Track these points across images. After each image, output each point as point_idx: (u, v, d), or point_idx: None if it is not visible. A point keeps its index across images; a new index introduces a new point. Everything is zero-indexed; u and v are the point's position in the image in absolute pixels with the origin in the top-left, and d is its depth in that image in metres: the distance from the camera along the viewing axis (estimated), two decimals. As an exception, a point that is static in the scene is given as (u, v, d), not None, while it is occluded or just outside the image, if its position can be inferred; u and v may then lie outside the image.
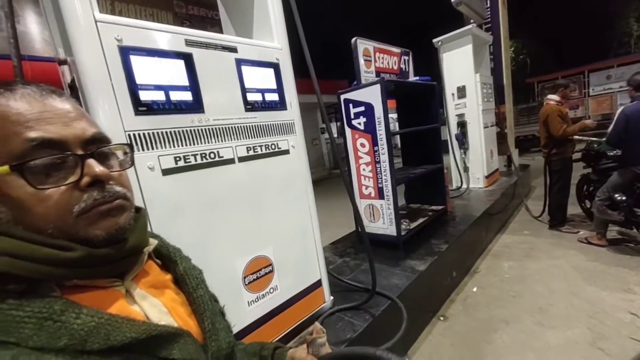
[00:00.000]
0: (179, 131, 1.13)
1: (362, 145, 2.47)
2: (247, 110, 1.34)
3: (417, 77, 3.04)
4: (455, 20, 5.28)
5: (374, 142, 2.39)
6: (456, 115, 4.49)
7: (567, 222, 3.54)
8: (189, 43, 1.15)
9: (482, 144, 4.34)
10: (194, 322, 0.50)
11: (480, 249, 3.26)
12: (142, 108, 1.04)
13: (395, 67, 3.05)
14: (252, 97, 1.35)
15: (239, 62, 1.30)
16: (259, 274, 1.39)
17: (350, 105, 2.46)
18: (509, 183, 4.50)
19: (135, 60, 1.02)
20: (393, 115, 3.60)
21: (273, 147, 1.45)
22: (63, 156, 0.40)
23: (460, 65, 4.27)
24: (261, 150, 1.40)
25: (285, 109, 1.51)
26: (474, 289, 2.59)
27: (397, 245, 2.47)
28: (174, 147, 1.12)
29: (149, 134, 1.06)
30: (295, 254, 1.57)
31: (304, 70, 1.50)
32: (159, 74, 1.08)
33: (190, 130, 1.16)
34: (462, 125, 4.44)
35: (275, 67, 1.46)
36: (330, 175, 11.45)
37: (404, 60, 3.17)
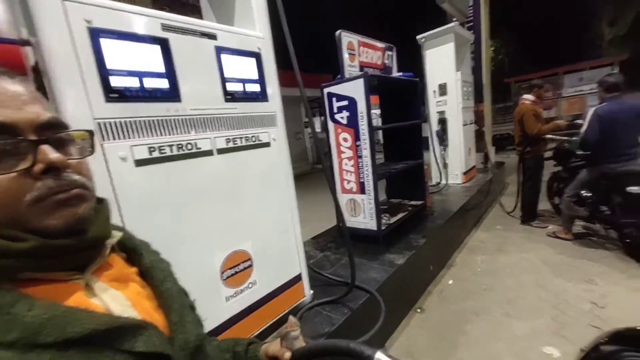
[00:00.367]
0: (153, 120, 1.08)
1: (345, 139, 2.48)
2: (226, 100, 1.30)
3: (401, 73, 3.06)
4: (439, 17, 5.35)
5: (357, 137, 2.40)
6: (437, 112, 4.58)
7: (537, 217, 3.71)
8: (165, 27, 1.10)
9: (461, 141, 4.46)
10: (160, 315, 0.48)
11: (457, 243, 3.37)
12: (114, 95, 0.99)
13: (379, 63, 3.06)
14: (232, 87, 1.31)
15: (219, 50, 1.26)
16: (237, 268, 1.37)
17: (334, 99, 2.45)
18: (484, 180, 4.66)
19: (106, 44, 0.97)
20: (376, 111, 3.63)
21: (253, 139, 1.42)
22: (14, 141, 0.37)
23: (442, 62, 4.34)
24: (241, 142, 1.37)
25: (267, 101, 1.48)
26: (450, 282, 2.68)
27: (377, 240, 2.51)
28: (149, 136, 1.07)
29: (120, 122, 1.01)
30: (275, 248, 1.56)
31: (288, 62, 1.47)
32: (133, 59, 1.02)
33: (166, 120, 1.11)
34: (442, 122, 4.53)
35: (257, 56, 1.42)
36: (313, 169, 11.44)
37: (388, 55, 3.19)
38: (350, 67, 2.65)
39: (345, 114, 2.41)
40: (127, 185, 1.02)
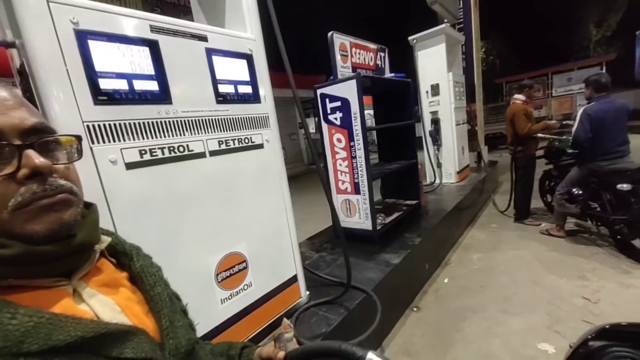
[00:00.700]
0: (144, 123, 1.07)
1: (339, 140, 2.48)
2: (218, 102, 1.29)
3: (393, 74, 3.08)
4: (430, 19, 5.40)
5: (350, 138, 2.40)
6: (430, 112, 4.61)
7: (530, 215, 3.75)
8: (154, 29, 1.09)
9: (454, 140, 4.50)
10: (151, 320, 0.48)
11: (452, 242, 3.39)
12: (102, 97, 0.97)
13: (372, 64, 3.07)
14: (223, 88, 1.31)
15: (210, 52, 1.25)
16: (232, 270, 1.36)
17: (327, 100, 2.46)
18: (478, 179, 4.70)
19: (94, 46, 0.95)
20: (370, 112, 3.65)
21: (246, 141, 1.41)
22: None
23: (434, 63, 4.38)
24: (234, 144, 1.36)
25: (259, 102, 1.48)
26: (445, 280, 2.70)
27: (372, 240, 2.51)
28: (139, 139, 1.06)
29: (110, 125, 0.99)
30: (270, 249, 1.55)
31: (280, 63, 1.47)
32: (122, 62, 1.01)
33: (157, 122, 1.10)
34: (435, 122, 4.57)
35: (249, 58, 1.42)
36: (308, 170, 11.43)
37: (380, 56, 3.20)
38: (342, 68, 2.66)
39: (338, 114, 2.41)
40: (118, 189, 1.00)
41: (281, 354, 0.57)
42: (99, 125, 0.97)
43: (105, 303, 0.43)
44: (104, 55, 0.97)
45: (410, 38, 4.51)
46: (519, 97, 3.54)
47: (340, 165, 2.54)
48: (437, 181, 4.59)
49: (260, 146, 1.48)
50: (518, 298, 2.30)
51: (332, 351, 0.52)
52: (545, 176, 3.77)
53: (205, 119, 1.25)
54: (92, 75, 0.95)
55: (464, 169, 4.82)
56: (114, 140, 1.00)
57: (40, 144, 0.40)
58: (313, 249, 2.68)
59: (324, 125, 2.54)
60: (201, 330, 1.23)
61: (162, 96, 1.11)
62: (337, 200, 2.64)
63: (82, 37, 0.93)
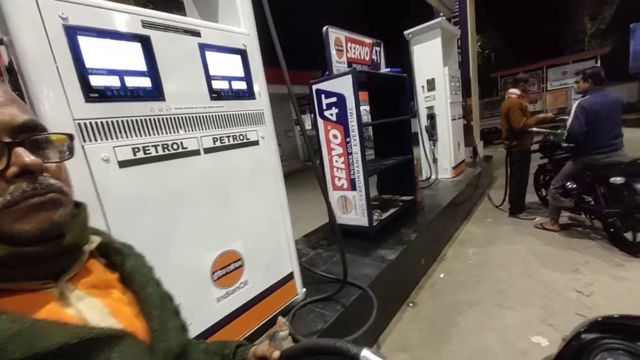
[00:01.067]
0: (137, 120, 1.05)
1: (335, 136, 2.47)
2: (212, 98, 1.28)
3: (389, 69, 3.07)
4: (426, 13, 5.38)
5: (346, 134, 2.39)
6: (426, 107, 4.61)
7: (525, 210, 3.78)
8: (146, 24, 1.07)
9: (450, 135, 4.50)
10: (142, 322, 0.47)
11: (447, 237, 3.41)
12: (94, 94, 0.95)
13: (367, 58, 3.05)
14: (217, 85, 1.29)
15: (203, 47, 1.24)
16: (228, 269, 1.35)
17: (322, 95, 2.44)
18: (473, 174, 4.73)
19: (84, 42, 0.93)
20: (365, 107, 3.63)
21: (241, 137, 1.40)
22: None
23: (430, 58, 4.37)
24: (229, 141, 1.34)
25: (254, 98, 1.46)
26: (441, 275, 2.72)
27: (369, 236, 2.52)
28: (132, 137, 1.04)
29: (102, 122, 0.98)
30: (266, 247, 1.54)
31: (275, 59, 1.45)
32: (113, 58, 0.99)
33: (150, 119, 1.08)
34: (431, 117, 4.57)
35: (243, 53, 1.40)
36: (304, 167, 11.42)
37: (376, 51, 3.18)
38: (338, 63, 2.64)
39: (334, 110, 2.40)
40: (111, 187, 0.99)
41: (276, 353, 0.57)
42: (90, 123, 0.95)
43: (93, 305, 0.43)
44: (94, 52, 0.95)
45: (405, 32, 4.48)
46: (514, 92, 3.54)
47: (336, 161, 2.53)
48: (433, 176, 4.60)
49: (256, 143, 1.47)
50: (513, 292, 2.33)
51: (326, 349, 0.52)
52: (540, 170, 3.80)
53: (199, 116, 1.23)
54: (82, 72, 0.93)
55: (459, 164, 4.83)
56: (107, 138, 0.99)
57: (31, 142, 0.40)
58: (310, 246, 2.68)
59: (320, 122, 2.52)
60: (197, 329, 1.23)
61: (155, 93, 1.09)
62: (333, 196, 2.64)
63: (72, 33, 0.91)
